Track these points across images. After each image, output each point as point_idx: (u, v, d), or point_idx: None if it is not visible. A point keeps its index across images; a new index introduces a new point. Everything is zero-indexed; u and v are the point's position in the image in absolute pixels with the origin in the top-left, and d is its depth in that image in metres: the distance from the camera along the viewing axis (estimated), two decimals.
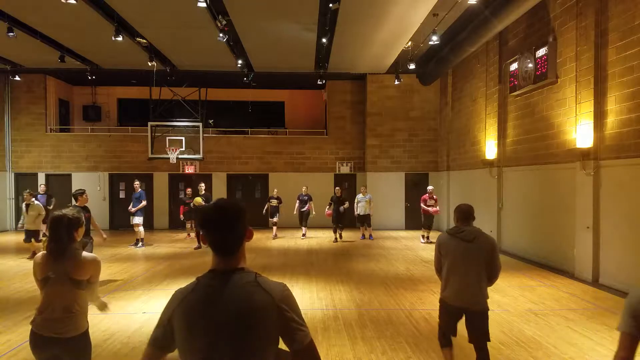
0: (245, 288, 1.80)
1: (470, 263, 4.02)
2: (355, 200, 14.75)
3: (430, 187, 14.28)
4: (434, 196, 14.01)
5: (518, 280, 8.93)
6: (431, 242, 13.44)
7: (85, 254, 3.29)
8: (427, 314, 6.69)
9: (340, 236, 14.64)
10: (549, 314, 6.71)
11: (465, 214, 4.11)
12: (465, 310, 4.08)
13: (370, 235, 14.94)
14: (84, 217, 3.42)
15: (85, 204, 8.09)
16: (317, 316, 6.62)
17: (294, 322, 1.78)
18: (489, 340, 4.08)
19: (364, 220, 14.77)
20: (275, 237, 15.05)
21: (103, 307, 3.61)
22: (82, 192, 8.07)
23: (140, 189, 13.50)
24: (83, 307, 3.26)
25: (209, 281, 1.88)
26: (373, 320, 6.43)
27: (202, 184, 13.59)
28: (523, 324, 6.25)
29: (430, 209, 13.71)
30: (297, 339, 1.77)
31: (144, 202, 13.17)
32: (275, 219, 14.95)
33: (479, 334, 4.05)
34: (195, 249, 12.79)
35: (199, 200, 12.72)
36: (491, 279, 4.15)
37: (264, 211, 15.14)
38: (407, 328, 6.11)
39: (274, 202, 14.94)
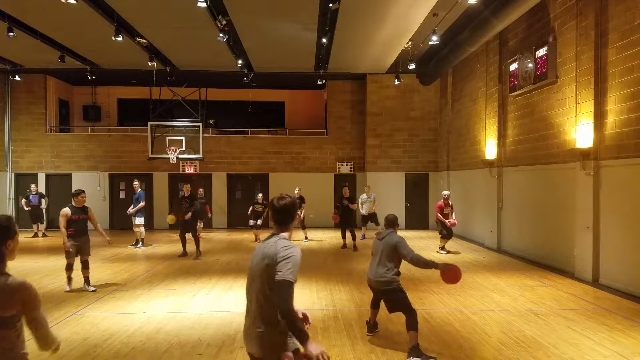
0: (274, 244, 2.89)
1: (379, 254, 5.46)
2: (360, 201, 14.81)
3: (446, 192, 12.46)
4: (450, 202, 12.26)
5: (518, 280, 8.93)
6: (449, 253, 12.15)
7: (11, 279, 2.45)
8: (427, 314, 6.69)
9: (354, 246, 12.83)
10: (549, 314, 6.70)
11: (388, 221, 5.64)
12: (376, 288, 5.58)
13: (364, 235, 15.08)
14: (16, 227, 2.59)
15: (83, 205, 8.09)
16: (317, 316, 6.62)
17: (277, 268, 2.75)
18: (403, 310, 5.23)
19: (368, 220, 14.82)
20: (258, 241, 14.33)
21: (57, 349, 2.63)
22: (79, 193, 8.05)
23: (139, 189, 13.38)
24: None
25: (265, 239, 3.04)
26: None
27: (188, 185, 12.44)
28: (523, 324, 6.25)
29: (446, 221, 11.93)
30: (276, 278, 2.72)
31: (142, 203, 13.11)
32: (259, 222, 14.23)
33: (391, 306, 5.39)
34: (180, 256, 11.72)
35: (172, 217, 12.06)
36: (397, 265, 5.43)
37: (249, 212, 14.38)
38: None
39: (259, 207, 14.34)
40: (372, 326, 5.88)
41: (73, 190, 8.93)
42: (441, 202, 12.22)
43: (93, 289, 8.20)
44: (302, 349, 2.69)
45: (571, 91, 9.45)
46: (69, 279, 8.15)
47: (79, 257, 8.12)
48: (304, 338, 2.63)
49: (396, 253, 5.33)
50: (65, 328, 6.10)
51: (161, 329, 6.03)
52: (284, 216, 3.01)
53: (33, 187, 16.04)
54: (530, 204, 11.14)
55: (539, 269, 10.07)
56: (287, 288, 2.69)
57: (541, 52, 10.31)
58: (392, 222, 5.65)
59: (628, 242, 7.87)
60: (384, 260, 5.40)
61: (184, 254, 11.75)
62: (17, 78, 17.14)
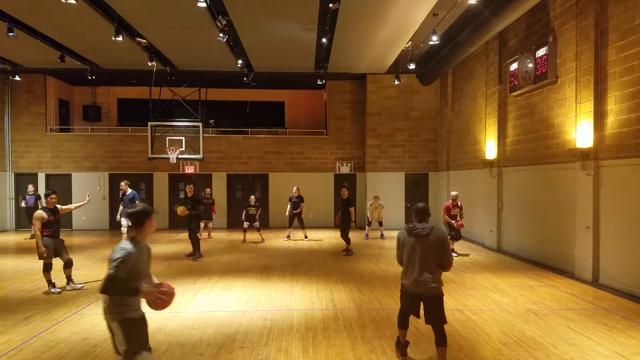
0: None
1: (423, 255, 4.67)
2: (369, 209, 15.41)
3: (454, 193, 11.86)
4: (459, 203, 11.66)
5: (518, 280, 8.93)
6: (460, 255, 11.70)
7: None
8: None
9: (349, 250, 12.12)
10: (549, 314, 6.71)
11: (420, 212, 4.82)
12: (421, 297, 4.75)
13: (382, 235, 15.35)
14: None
15: (55, 205, 8.08)
16: (317, 316, 6.62)
17: None
18: (445, 323, 4.73)
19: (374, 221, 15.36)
20: (245, 241, 14.39)
21: None
22: (49, 194, 8.07)
23: (131, 190, 12.17)
24: None
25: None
26: (373, 320, 6.43)
27: (191, 185, 12.16)
28: (523, 324, 6.25)
29: (453, 222, 11.47)
30: None
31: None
32: (256, 224, 14.18)
33: (434, 317, 4.71)
34: (196, 259, 11.35)
35: (182, 209, 11.37)
36: (444, 268, 4.74)
37: (243, 216, 14.33)
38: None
39: (252, 210, 14.22)
40: (404, 347, 5.11)
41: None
42: (449, 202, 11.69)
43: (81, 285, 8.26)
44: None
45: (571, 91, 9.45)
46: (50, 281, 8.06)
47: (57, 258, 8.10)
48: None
49: (439, 253, 4.64)
50: (65, 328, 6.10)
51: (161, 329, 6.03)
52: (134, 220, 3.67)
53: (30, 187, 15.82)
54: (530, 204, 11.14)
55: (539, 269, 10.07)
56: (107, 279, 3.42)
57: (541, 52, 10.31)
58: (425, 213, 4.79)
59: (628, 242, 7.87)
60: (430, 261, 4.62)
61: (199, 255, 11.32)
62: (17, 78, 17.14)
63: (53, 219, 7.96)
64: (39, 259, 7.92)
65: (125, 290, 3.51)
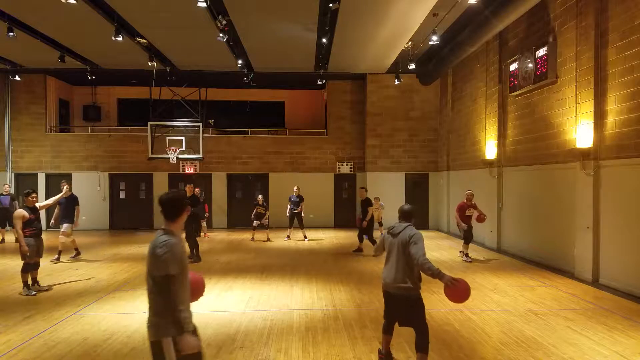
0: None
1: (397, 254, 4.57)
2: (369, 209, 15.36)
3: (469, 191, 11.20)
4: (474, 202, 11.06)
5: (518, 280, 8.93)
6: (473, 261, 10.93)
7: None
8: (427, 314, 6.66)
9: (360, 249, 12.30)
10: (549, 314, 6.71)
11: (402, 213, 4.77)
12: (394, 297, 4.60)
13: (382, 233, 15.25)
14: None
15: (34, 204, 8.05)
16: (317, 316, 6.62)
17: None
18: (423, 328, 4.53)
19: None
20: (253, 240, 14.58)
21: None
22: (28, 193, 8.04)
23: (71, 192, 10.98)
24: None
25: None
26: (373, 320, 6.43)
27: (191, 185, 12.18)
28: (523, 324, 6.25)
29: (464, 225, 10.77)
30: None
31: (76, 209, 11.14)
32: (265, 222, 14.47)
33: (408, 321, 4.59)
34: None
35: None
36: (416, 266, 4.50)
37: (252, 216, 14.53)
38: (407, 328, 6.09)
39: (260, 209, 14.46)
40: (386, 356, 4.90)
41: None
42: (462, 202, 11.04)
43: (47, 288, 8.21)
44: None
45: (571, 91, 9.45)
46: (31, 281, 8.00)
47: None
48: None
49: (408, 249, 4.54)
50: (65, 328, 6.10)
51: None
52: (168, 210, 3.19)
53: (6, 187, 14.49)
54: (530, 204, 11.14)
55: (539, 269, 10.07)
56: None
57: (541, 52, 10.31)
58: (408, 214, 4.74)
59: (628, 242, 7.87)
60: (402, 262, 4.51)
61: (198, 259, 10.91)
62: (17, 78, 17.14)
63: (34, 217, 7.92)
64: (22, 259, 7.87)
65: (180, 292, 3.06)
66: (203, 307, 7.14)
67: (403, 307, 4.56)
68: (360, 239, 12.51)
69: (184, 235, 11.52)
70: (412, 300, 4.52)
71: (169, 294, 3.00)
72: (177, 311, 3.00)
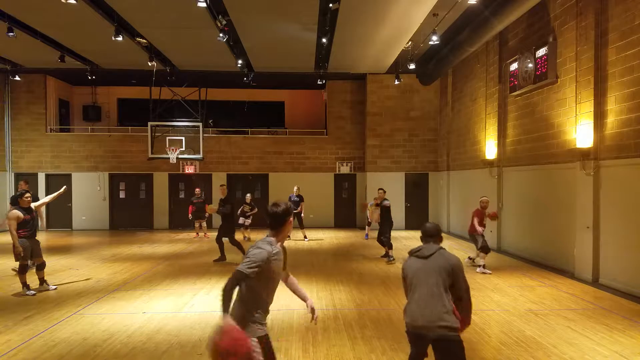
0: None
1: (428, 282, 3.63)
2: (369, 209, 15.24)
3: (484, 197, 10.15)
4: (487, 212, 9.97)
5: (518, 280, 8.93)
6: (489, 274, 9.46)
7: None
8: None
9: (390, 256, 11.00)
10: (549, 314, 6.71)
11: (426, 233, 3.89)
12: (426, 339, 3.59)
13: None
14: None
15: (29, 205, 7.99)
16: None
17: None
18: None
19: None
20: (246, 239, 14.36)
21: None
22: (23, 193, 8.01)
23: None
24: None
25: None
26: (373, 320, 6.43)
27: (224, 185, 11.77)
28: (523, 324, 6.25)
29: (481, 229, 9.63)
30: None
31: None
32: (247, 222, 14.52)
33: None
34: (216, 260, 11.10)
35: (212, 207, 11.65)
36: (461, 300, 3.69)
37: (238, 212, 14.37)
38: None
39: (246, 208, 14.54)
40: None
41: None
42: (479, 209, 9.88)
43: (54, 287, 8.23)
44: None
45: (571, 91, 9.45)
46: (25, 283, 7.96)
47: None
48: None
49: (450, 280, 3.63)
50: (65, 328, 6.10)
51: (161, 329, 6.03)
52: (274, 221, 3.32)
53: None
54: (530, 204, 11.14)
55: (539, 269, 10.07)
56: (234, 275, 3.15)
57: (541, 52, 10.31)
58: (435, 233, 3.85)
59: (628, 242, 7.87)
60: (441, 291, 3.56)
61: (222, 258, 11.01)
62: (17, 78, 17.13)
63: (29, 218, 7.88)
64: (15, 260, 7.85)
65: (254, 301, 3.20)
66: (203, 307, 7.14)
67: (443, 353, 3.58)
68: (387, 244, 10.97)
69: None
70: (455, 342, 3.56)
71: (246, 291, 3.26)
72: (250, 314, 3.34)
